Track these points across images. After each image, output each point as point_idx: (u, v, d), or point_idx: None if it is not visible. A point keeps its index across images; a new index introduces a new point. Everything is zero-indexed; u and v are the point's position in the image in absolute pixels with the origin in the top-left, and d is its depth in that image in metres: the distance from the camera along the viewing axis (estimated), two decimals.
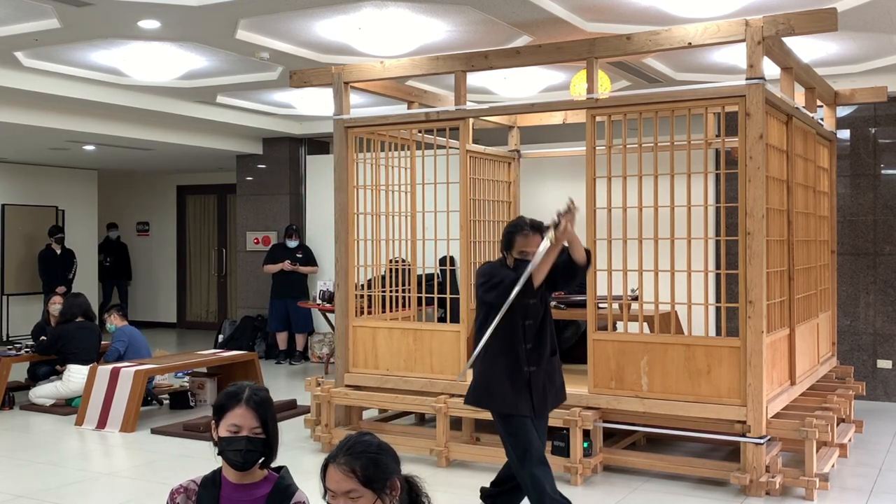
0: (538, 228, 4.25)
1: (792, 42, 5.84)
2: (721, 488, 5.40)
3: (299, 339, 10.95)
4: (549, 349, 4.41)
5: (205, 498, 2.67)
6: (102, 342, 8.47)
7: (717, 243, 6.97)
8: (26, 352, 8.41)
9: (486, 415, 5.91)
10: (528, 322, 4.33)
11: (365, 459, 2.30)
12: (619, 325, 5.83)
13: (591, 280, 5.76)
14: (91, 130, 9.36)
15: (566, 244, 4.20)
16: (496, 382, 4.33)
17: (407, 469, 2.37)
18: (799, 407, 5.93)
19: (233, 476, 2.69)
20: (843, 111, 8.10)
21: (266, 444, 2.69)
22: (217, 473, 2.73)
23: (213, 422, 2.71)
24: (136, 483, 5.77)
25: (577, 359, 6.59)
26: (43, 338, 8.39)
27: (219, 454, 2.69)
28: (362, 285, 6.72)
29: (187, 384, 8.53)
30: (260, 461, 2.70)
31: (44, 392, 8.01)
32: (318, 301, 10.28)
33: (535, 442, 4.31)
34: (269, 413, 2.72)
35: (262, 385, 2.79)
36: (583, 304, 6.16)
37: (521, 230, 4.29)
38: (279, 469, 2.77)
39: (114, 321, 8.28)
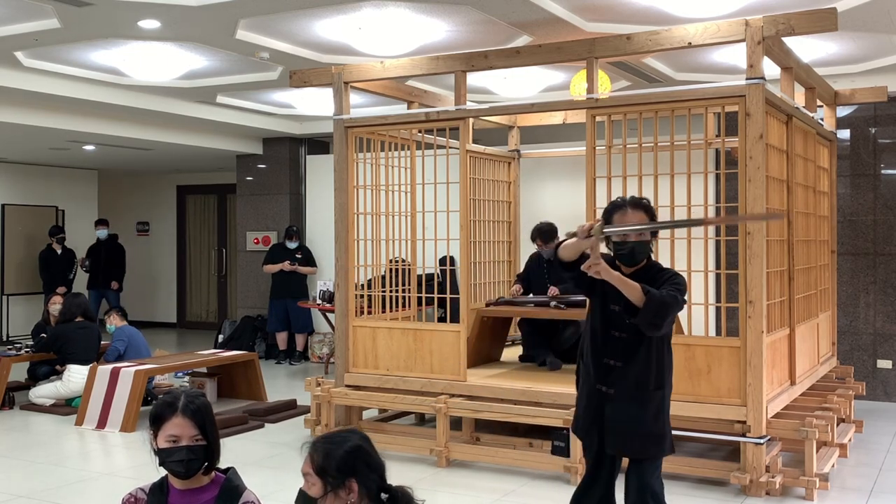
0: (637, 205, 3.61)
1: (792, 42, 5.84)
2: (721, 488, 5.40)
3: (299, 340, 10.96)
4: (643, 377, 3.54)
5: None
6: (102, 342, 8.48)
7: (717, 243, 6.98)
8: (26, 352, 8.42)
9: (487, 415, 5.94)
10: (618, 333, 3.56)
11: (323, 451, 2.42)
12: None
13: None
14: (91, 130, 9.36)
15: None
16: (579, 390, 3.77)
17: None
18: (799, 407, 5.94)
19: (178, 483, 2.69)
20: (843, 111, 8.10)
21: (208, 450, 2.66)
22: (164, 480, 2.72)
23: (152, 432, 2.67)
24: (135, 483, 5.74)
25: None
26: (43, 335, 8.40)
27: (160, 465, 2.68)
28: (362, 285, 6.72)
29: (187, 384, 8.54)
30: (204, 467, 2.70)
31: (44, 392, 8.01)
32: (318, 301, 10.29)
33: (586, 477, 3.70)
34: (208, 418, 2.67)
35: (198, 390, 2.80)
36: (583, 304, 6.16)
37: (618, 208, 3.63)
38: (227, 470, 2.77)
39: (113, 321, 8.29)
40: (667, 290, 3.42)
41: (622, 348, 3.55)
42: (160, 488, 2.71)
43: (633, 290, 3.36)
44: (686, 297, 3.52)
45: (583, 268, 3.35)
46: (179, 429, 2.63)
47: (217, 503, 2.69)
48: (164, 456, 2.64)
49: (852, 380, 7.27)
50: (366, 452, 2.45)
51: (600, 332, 3.60)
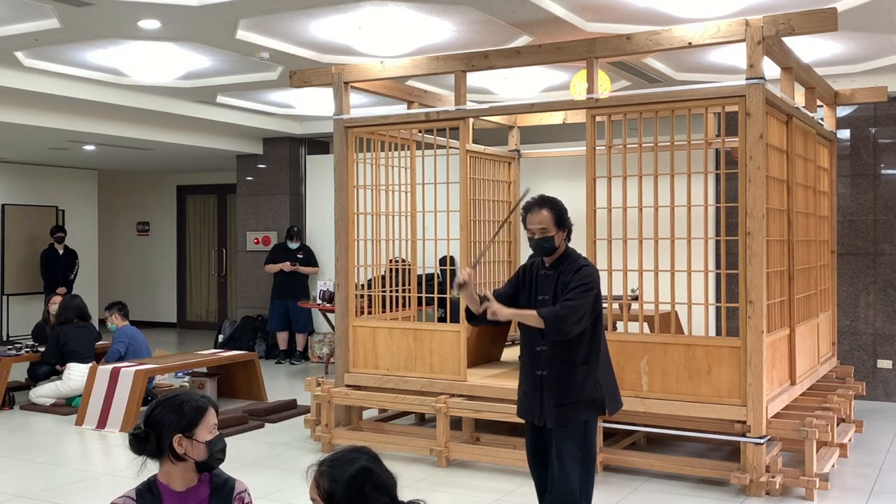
0: (542, 203, 4.04)
1: (792, 42, 5.84)
2: (721, 488, 5.40)
3: (299, 339, 10.96)
4: (565, 355, 3.94)
5: None
6: (103, 342, 8.48)
7: (717, 243, 6.98)
8: (26, 352, 8.42)
9: (487, 415, 5.94)
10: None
11: (329, 477, 2.30)
12: (620, 324, 5.83)
13: None
14: (91, 130, 9.36)
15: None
16: (519, 383, 4.21)
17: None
18: (799, 407, 5.94)
19: (182, 483, 2.69)
20: (843, 111, 8.10)
21: None
22: (153, 483, 2.71)
23: (181, 437, 2.65)
24: (135, 483, 5.75)
25: None
26: (42, 347, 8.41)
27: (203, 462, 2.68)
28: (362, 285, 6.72)
29: (187, 384, 8.54)
30: None
31: (44, 391, 8.01)
32: (318, 301, 10.29)
33: (527, 455, 4.16)
34: None
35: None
36: None
37: (527, 211, 4.08)
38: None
39: (114, 321, 8.27)
40: (568, 296, 3.86)
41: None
42: (149, 491, 2.69)
43: (529, 319, 3.90)
44: (596, 286, 3.94)
45: (488, 317, 3.90)
46: (215, 417, 2.73)
47: (213, 500, 2.69)
48: (212, 447, 2.68)
49: (852, 380, 7.27)
50: (373, 474, 2.32)
51: (526, 330, 4.02)
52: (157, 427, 2.67)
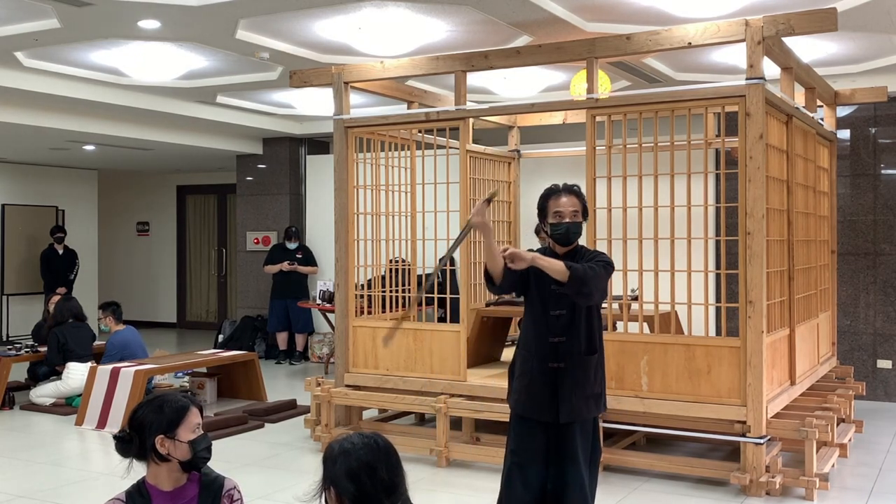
0: (570, 191, 3.95)
1: (792, 42, 5.84)
2: (721, 488, 5.40)
3: (299, 339, 10.96)
4: (583, 346, 3.91)
5: None
6: (98, 342, 8.47)
7: (717, 243, 6.98)
8: (26, 352, 8.42)
9: (487, 415, 5.94)
10: (558, 312, 3.89)
11: (329, 451, 2.32)
12: (619, 325, 5.83)
13: None
14: (91, 130, 9.37)
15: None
16: (518, 377, 3.99)
17: (407, 469, 2.35)
18: (799, 407, 5.94)
19: (169, 483, 2.69)
20: (843, 111, 8.10)
21: None
22: (142, 484, 2.71)
23: (163, 438, 2.65)
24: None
25: None
26: (42, 347, 8.39)
27: (188, 462, 2.68)
28: (362, 285, 6.72)
29: (187, 384, 8.54)
30: None
31: (44, 391, 8.02)
32: (318, 301, 10.29)
33: (515, 456, 3.92)
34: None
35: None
36: None
37: (553, 193, 3.96)
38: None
39: (108, 323, 8.22)
40: (592, 264, 3.80)
41: (564, 324, 3.88)
42: (139, 493, 2.69)
43: (555, 267, 3.73)
44: (613, 264, 3.94)
45: (509, 264, 3.74)
46: (198, 417, 2.72)
47: (201, 498, 2.70)
48: (196, 446, 2.68)
49: (852, 380, 7.27)
50: (356, 476, 2.24)
51: (546, 313, 3.90)
52: (139, 428, 2.68)
